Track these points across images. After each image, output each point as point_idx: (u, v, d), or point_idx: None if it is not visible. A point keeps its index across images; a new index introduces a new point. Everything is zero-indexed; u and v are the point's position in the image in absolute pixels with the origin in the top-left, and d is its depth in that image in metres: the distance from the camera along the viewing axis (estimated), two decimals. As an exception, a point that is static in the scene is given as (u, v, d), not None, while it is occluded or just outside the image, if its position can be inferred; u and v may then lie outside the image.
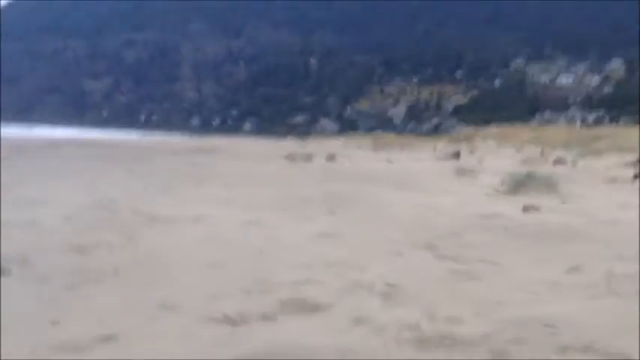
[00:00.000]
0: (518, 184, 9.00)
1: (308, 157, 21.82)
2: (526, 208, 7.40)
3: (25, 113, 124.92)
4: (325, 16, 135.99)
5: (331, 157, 21.76)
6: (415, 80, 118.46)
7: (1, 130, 49.10)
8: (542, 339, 3.02)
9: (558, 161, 19.75)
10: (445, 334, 3.04)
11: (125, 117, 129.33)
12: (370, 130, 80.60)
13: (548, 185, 9.06)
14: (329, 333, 3.05)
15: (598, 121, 66.52)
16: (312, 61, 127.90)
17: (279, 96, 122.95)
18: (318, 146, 38.72)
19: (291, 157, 21.97)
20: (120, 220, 6.64)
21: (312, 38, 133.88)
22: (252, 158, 22.96)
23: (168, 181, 12.08)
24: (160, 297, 3.60)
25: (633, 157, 17.83)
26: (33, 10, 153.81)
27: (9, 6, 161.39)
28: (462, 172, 14.05)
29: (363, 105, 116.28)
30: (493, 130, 44.40)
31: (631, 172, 13.81)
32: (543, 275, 4.24)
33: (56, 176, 12.49)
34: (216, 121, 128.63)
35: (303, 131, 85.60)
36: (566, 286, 4.01)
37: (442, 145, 37.00)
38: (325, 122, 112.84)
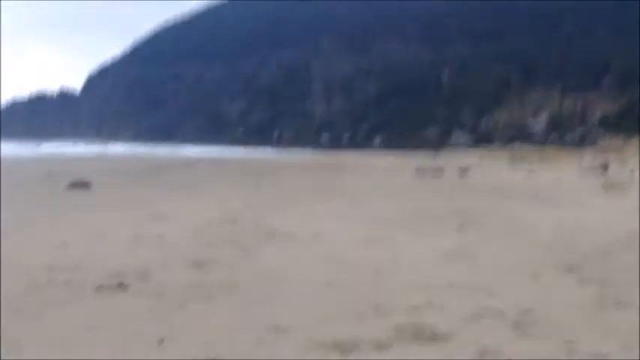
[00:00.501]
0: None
1: (439, 171, 21.14)
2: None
3: (170, 134, 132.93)
4: (457, 26, 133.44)
5: (464, 171, 20.97)
6: (557, 89, 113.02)
7: (148, 151, 52.28)
8: None
9: None
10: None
11: (258, 135, 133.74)
12: (507, 142, 77.65)
13: None
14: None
15: None
16: (445, 72, 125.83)
17: (410, 109, 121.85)
18: (450, 160, 37.78)
19: (420, 172, 21.37)
20: (241, 236, 6.60)
21: (445, 50, 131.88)
22: (379, 173, 22.69)
23: (293, 196, 12.08)
24: (271, 318, 3.41)
25: None
26: (179, 37, 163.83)
27: (156, 34, 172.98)
28: (610, 187, 12.97)
29: (500, 116, 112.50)
30: (644, 140, 41.38)
31: None
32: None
33: (188, 191, 12.90)
34: (345, 137, 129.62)
35: (435, 144, 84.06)
36: None
37: (587, 157, 34.86)
38: (459, 134, 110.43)
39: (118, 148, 59.49)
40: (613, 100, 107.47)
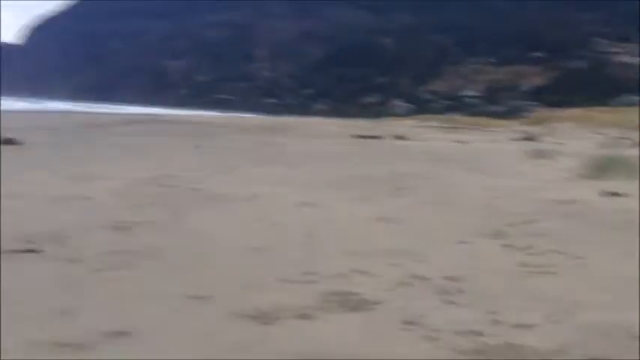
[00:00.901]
0: (600, 168, 8.25)
1: (377, 137, 21.32)
2: (606, 194, 6.71)
3: (109, 93, 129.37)
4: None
5: (401, 137, 21.18)
6: (491, 61, 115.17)
7: (85, 109, 50.62)
8: (630, 353, 2.49)
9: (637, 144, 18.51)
10: (511, 344, 2.55)
11: (202, 97, 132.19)
12: (444, 111, 78.93)
13: (631, 170, 8.27)
14: (373, 337, 2.61)
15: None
16: (387, 40, 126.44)
17: (353, 76, 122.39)
18: (389, 126, 38.03)
19: (360, 136, 21.52)
20: (172, 198, 6.39)
21: (387, 18, 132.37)
22: (320, 137, 22.60)
23: (233, 159, 11.88)
24: (191, 287, 3.25)
25: None
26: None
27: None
28: (538, 155, 13.23)
29: (437, 86, 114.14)
30: (571, 112, 42.60)
31: None
32: (631, 273, 3.66)
33: (123, 152, 12.48)
34: (290, 101, 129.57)
35: (376, 111, 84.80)
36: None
37: (518, 126, 35.69)
38: (398, 103, 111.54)
39: (54, 105, 57.36)
40: (543, 73, 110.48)
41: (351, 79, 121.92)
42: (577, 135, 24.99)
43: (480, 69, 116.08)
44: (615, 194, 6.68)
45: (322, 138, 22.07)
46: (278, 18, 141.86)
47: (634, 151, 13.19)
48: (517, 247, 4.33)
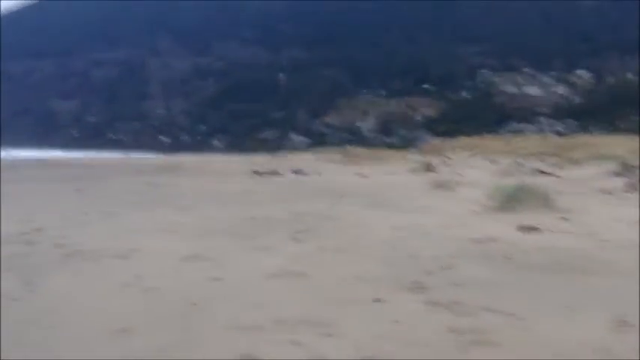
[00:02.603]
0: (509, 199, 7.85)
1: (275, 174, 20.64)
2: (524, 229, 6.24)
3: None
4: (293, 31, 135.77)
5: (299, 173, 20.58)
6: (383, 93, 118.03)
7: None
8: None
9: (537, 171, 18.78)
10: None
11: (94, 137, 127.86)
12: (340, 143, 79.51)
13: (542, 199, 7.94)
14: None
15: (568, 131, 66.44)
16: (281, 76, 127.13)
17: (248, 111, 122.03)
18: (288, 161, 37.45)
19: (257, 174, 20.75)
20: (33, 257, 5.35)
21: (280, 53, 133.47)
22: (216, 175, 21.65)
23: (116, 204, 10.78)
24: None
25: (614, 166, 16.96)
26: (4, 31, 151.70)
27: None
28: (439, 186, 12.92)
29: (333, 119, 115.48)
30: (463, 140, 43.64)
31: (619, 182, 12.86)
32: (584, 335, 3.05)
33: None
34: (185, 139, 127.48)
35: (274, 146, 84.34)
36: (619, 351, 2.83)
37: (413, 157, 36.03)
38: (295, 137, 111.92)
39: None
40: (433, 104, 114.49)
41: (246, 115, 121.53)
42: (472, 164, 25.26)
43: (372, 101, 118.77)
44: (533, 228, 6.22)
45: (218, 176, 21.13)
46: (169, 55, 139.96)
47: (534, 179, 13.14)
48: (442, 303, 3.66)
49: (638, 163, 16.39)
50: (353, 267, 4.85)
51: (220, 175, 21.46)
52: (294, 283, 4.36)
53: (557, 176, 16.45)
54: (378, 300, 3.82)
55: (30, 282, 4.39)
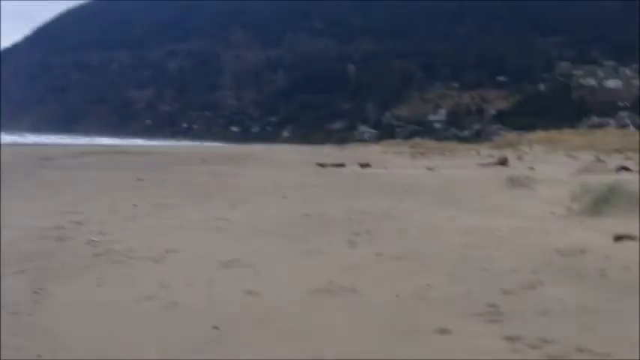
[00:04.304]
0: (599, 201, 6.87)
1: (340, 166, 19.95)
2: (620, 238, 5.31)
3: (73, 124, 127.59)
4: (363, 22, 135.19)
5: (365, 166, 19.80)
6: (456, 85, 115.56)
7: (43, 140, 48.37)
8: None
9: (621, 168, 17.36)
10: None
11: (167, 126, 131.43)
12: (409, 136, 78.12)
13: (635, 201, 6.91)
14: None
15: (651, 125, 63.14)
16: (351, 67, 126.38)
17: (317, 103, 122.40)
18: (354, 153, 36.72)
19: (321, 165, 20.13)
20: (56, 257, 4.84)
21: (350, 45, 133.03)
22: (279, 166, 21.17)
23: (171, 196, 10.33)
24: None
25: None
26: (82, 23, 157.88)
27: (58, 19, 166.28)
28: (515, 182, 11.86)
29: (402, 111, 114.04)
30: (539, 135, 41.71)
31: None
32: None
33: (44, 190, 10.83)
34: (255, 129, 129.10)
35: (342, 138, 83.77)
36: None
37: (486, 151, 34.60)
38: (363, 129, 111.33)
39: (10, 138, 54.80)
40: (507, 97, 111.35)
41: (316, 106, 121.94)
42: (550, 159, 23.87)
43: (444, 94, 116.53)
44: (630, 238, 5.28)
45: (281, 167, 20.64)
46: (241, 47, 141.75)
47: (619, 177, 11.98)
48: (526, 342, 2.85)
49: None
50: (414, 281, 4.08)
51: (284, 166, 20.97)
52: (342, 302, 3.64)
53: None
54: (442, 330, 3.06)
55: (40, 290, 3.83)
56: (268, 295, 3.79)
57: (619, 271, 4.25)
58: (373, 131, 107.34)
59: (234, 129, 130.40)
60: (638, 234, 5.37)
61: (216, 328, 3.13)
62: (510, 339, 2.89)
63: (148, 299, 3.66)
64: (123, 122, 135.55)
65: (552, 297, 3.64)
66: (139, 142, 60.09)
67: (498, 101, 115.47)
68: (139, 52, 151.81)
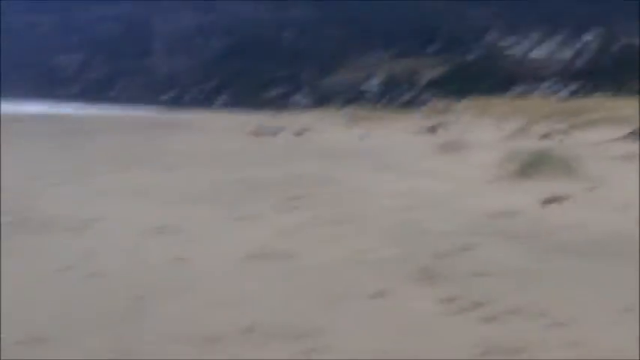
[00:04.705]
0: (528, 165, 6.97)
1: (275, 132, 19.73)
2: (549, 201, 5.39)
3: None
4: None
5: (301, 132, 19.66)
6: (390, 53, 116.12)
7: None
8: None
9: (548, 134, 17.81)
10: None
11: (97, 92, 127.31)
12: (344, 103, 78.16)
13: (563, 166, 7.05)
14: None
15: (575, 93, 64.93)
16: (286, 34, 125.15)
17: (253, 70, 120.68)
18: (291, 120, 36.42)
19: (257, 132, 19.85)
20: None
21: (286, 11, 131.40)
22: (213, 133, 20.77)
23: (97, 163, 9.98)
24: None
25: (628, 128, 16.04)
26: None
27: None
28: (447, 148, 11.97)
29: (338, 79, 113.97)
30: (469, 102, 42.37)
31: (634, 146, 11.92)
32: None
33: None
34: (188, 96, 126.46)
35: (278, 105, 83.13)
36: None
37: (419, 118, 34.94)
38: (299, 96, 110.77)
39: None
40: (439, 65, 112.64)
41: (251, 73, 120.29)
42: (480, 126, 24.26)
43: (378, 62, 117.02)
44: (559, 200, 5.37)
45: (215, 134, 20.26)
46: (173, 11, 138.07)
47: (546, 143, 12.26)
48: (462, 303, 2.83)
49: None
50: (349, 245, 4.03)
51: (218, 134, 20.59)
52: (278, 267, 3.54)
53: (569, 140, 15.53)
54: (380, 293, 3.00)
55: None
56: (198, 261, 3.65)
57: (549, 233, 4.31)
58: (309, 99, 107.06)
59: (168, 95, 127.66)
60: (565, 196, 5.47)
61: (140, 298, 2.98)
62: (446, 301, 2.86)
63: (67, 270, 3.47)
64: (51, 88, 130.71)
65: (486, 259, 3.65)
66: (68, 108, 58.05)
67: (431, 70, 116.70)
68: (67, 17, 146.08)
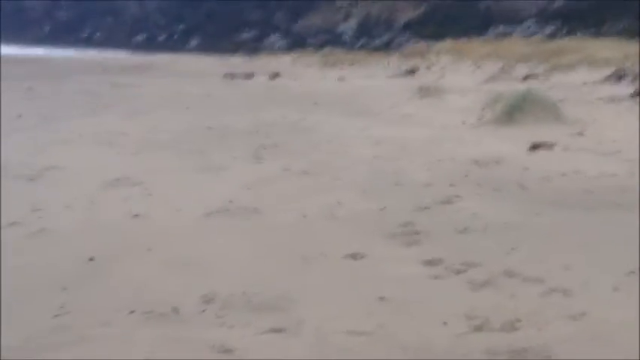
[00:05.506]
0: (511, 109, 6.66)
1: (249, 76, 19.19)
2: (536, 147, 5.11)
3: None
4: None
5: (274, 76, 19.11)
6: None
7: None
8: None
9: (528, 77, 17.50)
10: None
11: (66, 34, 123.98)
12: (320, 46, 76.92)
13: (549, 109, 6.76)
14: None
15: (554, 34, 64.38)
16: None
17: (226, 11, 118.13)
18: (264, 63, 35.65)
19: (229, 76, 19.28)
20: None
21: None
22: (184, 76, 20.15)
23: (62, 107, 9.53)
24: None
25: (608, 70, 15.79)
26: None
27: None
28: (425, 92, 11.61)
29: (313, 20, 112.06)
30: (447, 44, 41.71)
31: (623, 89, 11.68)
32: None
33: None
34: (160, 38, 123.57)
35: (251, 48, 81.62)
36: None
37: (395, 60, 34.38)
38: (274, 38, 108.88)
39: None
40: (416, 6, 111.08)
41: (224, 15, 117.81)
42: (458, 68, 23.85)
43: (354, 3, 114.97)
44: (547, 146, 5.09)
45: (186, 77, 19.64)
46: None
47: (527, 85, 11.93)
48: (448, 266, 2.54)
49: (634, 68, 15.24)
50: (322, 198, 3.71)
51: (189, 77, 19.97)
52: (242, 225, 3.22)
53: (550, 82, 15.25)
54: (354, 254, 2.70)
55: None
56: (157, 218, 3.32)
57: (538, 183, 4.03)
58: (283, 41, 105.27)
59: (139, 37, 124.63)
60: (552, 142, 5.20)
61: (91, 259, 2.65)
62: (430, 263, 2.57)
63: (12, 226, 3.12)
64: (19, 30, 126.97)
65: (471, 212, 3.36)
66: (38, 50, 56.27)
67: (407, 11, 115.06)
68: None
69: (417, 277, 2.44)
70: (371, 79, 18.93)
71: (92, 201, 3.67)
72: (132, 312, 2.11)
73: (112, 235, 3.03)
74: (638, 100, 9.53)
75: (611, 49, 23.17)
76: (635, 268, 2.44)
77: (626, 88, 11.21)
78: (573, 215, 3.27)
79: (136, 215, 3.35)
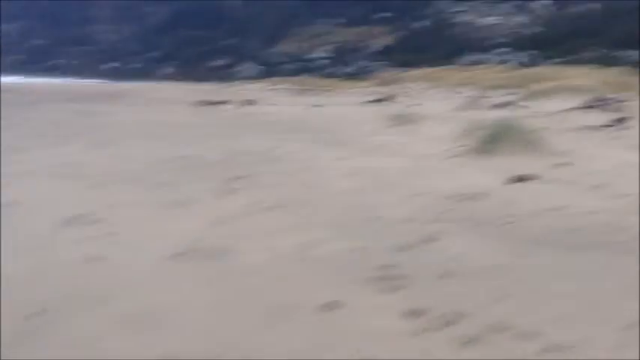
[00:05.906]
0: (489, 138, 6.51)
1: (221, 104, 18.98)
2: (518, 179, 4.94)
3: None
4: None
5: (247, 104, 18.93)
6: (340, 22, 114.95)
7: None
8: None
9: (504, 104, 17.52)
10: None
11: (39, 61, 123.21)
12: (295, 73, 77.06)
13: (528, 139, 6.62)
14: None
15: (529, 62, 65.29)
16: (233, 2, 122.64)
17: (199, 38, 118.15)
18: (238, 90, 35.52)
19: (202, 103, 19.06)
20: None
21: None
22: (157, 104, 19.88)
23: (27, 137, 9.23)
24: None
25: (585, 98, 15.85)
26: None
27: None
28: (400, 120, 11.48)
29: (287, 47, 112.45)
30: (421, 71, 42.07)
31: (601, 117, 11.64)
32: None
33: None
34: (133, 65, 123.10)
35: (225, 74, 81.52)
36: None
37: (370, 87, 34.47)
38: (247, 66, 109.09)
39: None
40: (390, 33, 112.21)
41: (197, 42, 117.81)
42: (434, 96, 23.94)
43: (328, 30, 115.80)
44: (528, 178, 4.92)
45: (159, 105, 19.37)
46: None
47: (503, 113, 11.91)
48: (433, 318, 2.31)
49: (610, 96, 15.32)
50: (295, 237, 3.47)
51: (161, 105, 19.70)
52: (208, 269, 2.96)
53: (526, 110, 15.25)
54: (329, 306, 2.45)
55: None
56: (116, 262, 3.05)
57: (523, 219, 3.83)
58: (257, 68, 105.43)
59: (113, 64, 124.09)
60: (532, 175, 5.03)
61: (41, 312, 2.38)
62: (413, 314, 2.34)
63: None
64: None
65: (454, 253, 3.14)
66: (10, 79, 55.54)
67: (381, 38, 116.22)
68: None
69: (398, 332, 2.21)
70: (345, 107, 18.83)
71: (48, 242, 3.39)
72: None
73: (66, 282, 2.76)
74: (620, 128, 9.47)
75: (583, 76, 23.43)
76: (635, 320, 2.23)
77: (606, 116, 11.19)
78: (563, 257, 3.07)
79: (93, 258, 3.08)
